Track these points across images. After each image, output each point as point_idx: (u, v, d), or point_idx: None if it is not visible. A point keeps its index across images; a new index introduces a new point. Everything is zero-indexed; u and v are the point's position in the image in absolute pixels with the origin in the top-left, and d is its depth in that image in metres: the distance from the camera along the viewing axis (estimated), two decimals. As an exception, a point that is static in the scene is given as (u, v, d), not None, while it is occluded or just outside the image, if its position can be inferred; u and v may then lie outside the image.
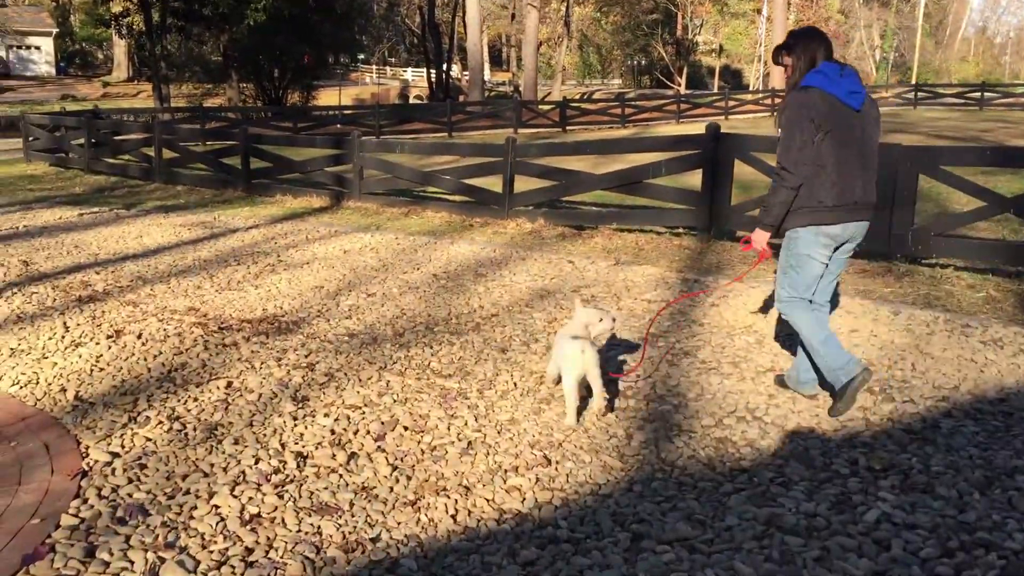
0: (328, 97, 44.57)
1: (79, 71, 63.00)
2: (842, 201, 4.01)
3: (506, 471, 3.66)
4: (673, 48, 51.98)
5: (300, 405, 4.41)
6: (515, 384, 4.74)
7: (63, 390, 4.67)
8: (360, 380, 4.79)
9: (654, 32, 51.72)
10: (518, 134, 27.56)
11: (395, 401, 4.48)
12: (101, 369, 5.01)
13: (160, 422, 4.19)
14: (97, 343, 5.51)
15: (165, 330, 5.79)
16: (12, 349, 5.41)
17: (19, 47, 58.65)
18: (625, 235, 9.12)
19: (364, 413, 4.31)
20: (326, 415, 4.28)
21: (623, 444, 3.93)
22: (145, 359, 5.18)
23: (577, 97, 38.38)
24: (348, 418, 4.25)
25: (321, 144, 12.79)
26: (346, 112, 29.75)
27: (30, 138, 17.80)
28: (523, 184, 10.27)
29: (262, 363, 5.08)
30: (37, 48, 59.84)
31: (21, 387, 4.75)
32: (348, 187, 11.78)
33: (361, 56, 59.19)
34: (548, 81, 60.55)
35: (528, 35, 39.22)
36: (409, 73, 68.50)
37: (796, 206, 4.06)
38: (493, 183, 10.62)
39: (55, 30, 61.06)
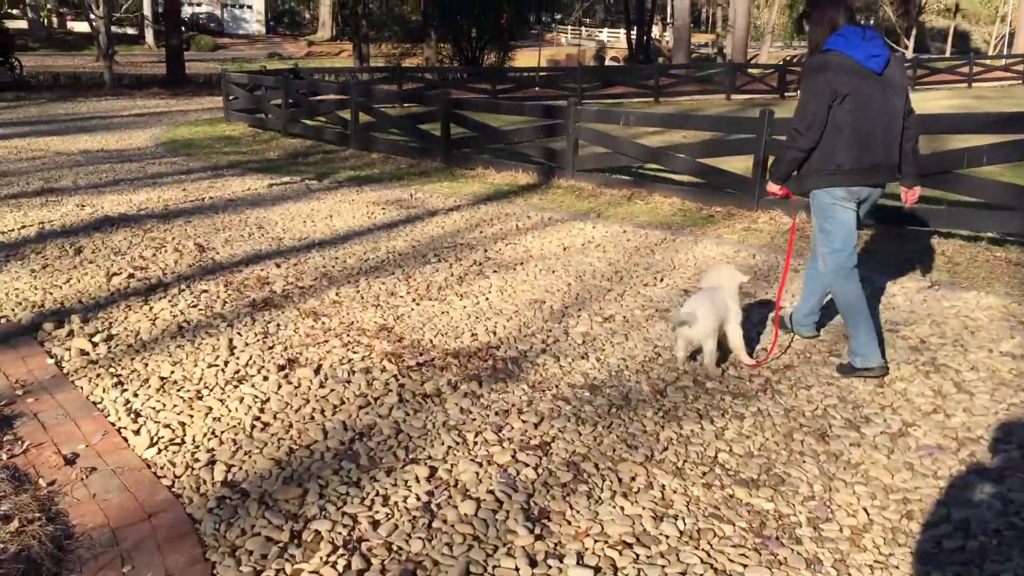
0: (524, 58, 43.26)
1: (286, 30, 64.85)
2: (860, 164, 4.07)
3: None
4: (900, 6, 47.13)
5: (538, 532, 2.89)
6: (867, 514, 3.03)
7: (211, 462, 3.37)
8: (620, 483, 3.22)
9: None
10: (731, 100, 25.20)
11: (681, 535, 2.88)
12: (264, 426, 3.69)
13: (333, 548, 2.79)
14: (265, 377, 4.22)
15: (350, 361, 4.44)
16: (163, 380, 4.21)
17: (233, 6, 60.87)
18: (920, 239, 7.08)
19: (637, 560, 2.74)
20: (580, 559, 2.74)
21: None
22: (322, 412, 3.83)
23: (784, 60, 35.12)
24: (615, 570, 2.69)
25: (530, 112, 11.28)
26: (543, 74, 28.26)
27: (230, 97, 17.34)
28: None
29: (477, 435, 3.60)
30: (249, 7, 61.95)
31: (161, 450, 3.49)
32: (559, 162, 10.23)
33: (558, 16, 57.64)
34: (754, 43, 56.83)
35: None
36: (604, 34, 66.46)
37: (816, 167, 4.15)
38: (734, 164, 8.78)
39: (266, -11, 62.98)
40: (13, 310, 5.32)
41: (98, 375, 4.28)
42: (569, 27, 69.63)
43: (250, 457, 3.42)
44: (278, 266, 6.38)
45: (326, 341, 4.76)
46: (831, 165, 4.08)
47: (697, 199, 8.79)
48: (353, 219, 8.15)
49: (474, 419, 3.77)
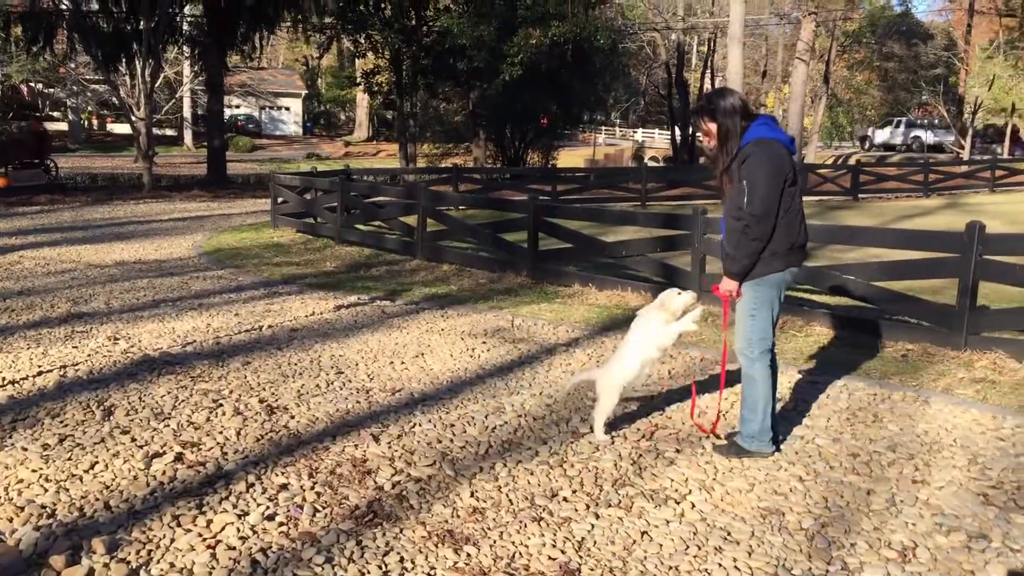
0: (564, 158, 42.22)
1: (323, 131, 64.92)
2: (799, 242, 4.25)
3: None
4: (955, 107, 45.88)
5: None
6: None
7: None
8: None
9: (935, 88, 45.85)
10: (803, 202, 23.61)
11: None
12: None
13: None
14: None
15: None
16: None
17: (271, 108, 61.00)
18: None
19: None
20: None
21: None
22: None
23: (858, 162, 33.58)
24: None
25: (644, 221, 9.66)
26: (598, 175, 26.99)
27: (279, 200, 15.97)
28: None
29: None
30: (287, 109, 62.09)
31: None
32: (680, 280, 8.54)
33: (598, 116, 57.09)
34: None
35: (795, 91, 35.17)
36: (640, 134, 65.82)
37: (768, 252, 4.14)
38: (920, 287, 7.11)
39: (304, 92, 63.27)
40: (11, 520, 3.64)
41: None
42: (603, 128, 69.20)
43: None
44: (376, 439, 4.66)
45: (488, 601, 3.01)
46: (784, 246, 4.17)
47: (876, 332, 7.03)
48: (451, 358, 6.47)
49: None
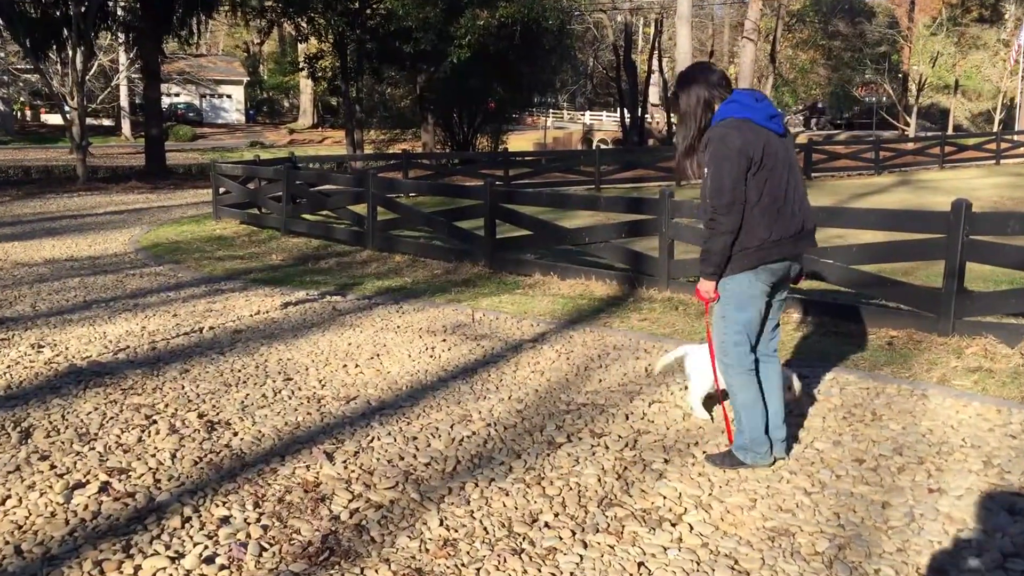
0: (513, 142, 41.76)
1: (266, 119, 63.50)
2: (786, 233, 3.71)
3: None
4: (900, 85, 46.20)
5: None
6: None
7: None
8: None
9: (879, 66, 46.11)
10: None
11: None
12: None
13: None
14: None
15: None
16: None
17: (212, 95, 59.46)
18: None
19: None
20: None
21: None
22: None
23: (810, 140, 33.52)
24: None
25: (607, 205, 9.20)
26: (551, 158, 26.57)
27: (221, 191, 15.24)
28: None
29: None
30: (228, 96, 60.57)
31: None
32: (648, 268, 8.17)
33: (548, 99, 56.59)
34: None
35: (743, 71, 34.98)
36: (588, 116, 65.47)
37: (739, 247, 3.69)
38: (892, 270, 6.78)
39: (246, 79, 61.78)
40: (-99, 574, 3.08)
41: None
42: (551, 111, 68.73)
43: None
44: (330, 458, 4.17)
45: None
46: (755, 241, 3.68)
47: (858, 319, 6.68)
48: (410, 359, 5.98)
49: None
